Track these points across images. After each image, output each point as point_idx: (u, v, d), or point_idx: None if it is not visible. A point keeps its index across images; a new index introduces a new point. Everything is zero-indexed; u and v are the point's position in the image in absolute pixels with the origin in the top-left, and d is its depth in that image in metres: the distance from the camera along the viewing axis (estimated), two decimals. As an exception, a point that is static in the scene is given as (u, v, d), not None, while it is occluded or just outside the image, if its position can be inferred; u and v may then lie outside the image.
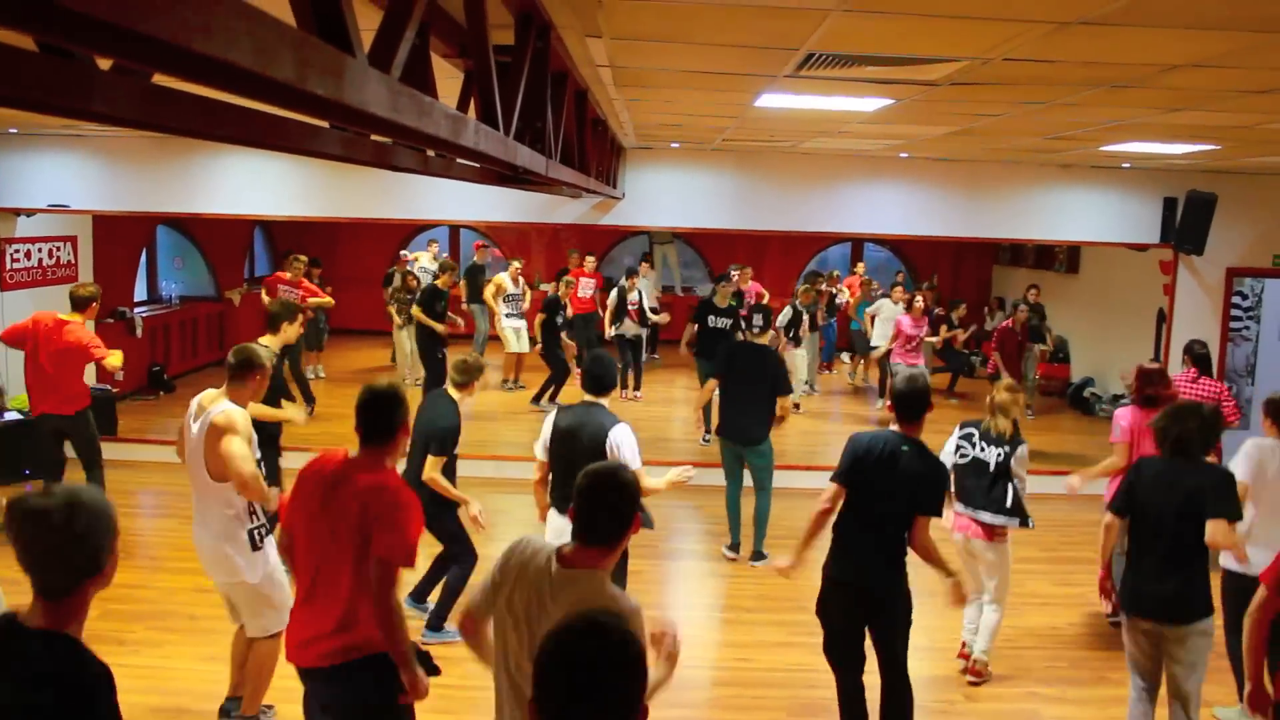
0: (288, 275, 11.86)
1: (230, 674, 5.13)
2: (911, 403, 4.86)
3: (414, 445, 6.07)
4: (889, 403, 4.53)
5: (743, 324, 9.80)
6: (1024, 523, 5.90)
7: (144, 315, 13.28)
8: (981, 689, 6.02)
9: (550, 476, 5.58)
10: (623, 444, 5.30)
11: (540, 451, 5.60)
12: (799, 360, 13.11)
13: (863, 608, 4.87)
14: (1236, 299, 10.97)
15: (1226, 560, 5.36)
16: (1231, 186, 10.00)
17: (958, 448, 6.02)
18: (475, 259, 15.03)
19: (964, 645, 6.30)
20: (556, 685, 1.94)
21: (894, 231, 11.27)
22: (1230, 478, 4.69)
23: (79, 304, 7.67)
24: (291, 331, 6.86)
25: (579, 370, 11.89)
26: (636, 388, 13.49)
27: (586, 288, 14.01)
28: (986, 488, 5.91)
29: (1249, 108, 5.42)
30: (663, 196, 10.46)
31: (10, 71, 1.42)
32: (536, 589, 2.96)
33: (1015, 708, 5.87)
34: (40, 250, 10.74)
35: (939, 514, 4.86)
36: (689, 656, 6.52)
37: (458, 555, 6.31)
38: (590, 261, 14.34)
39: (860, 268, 15.99)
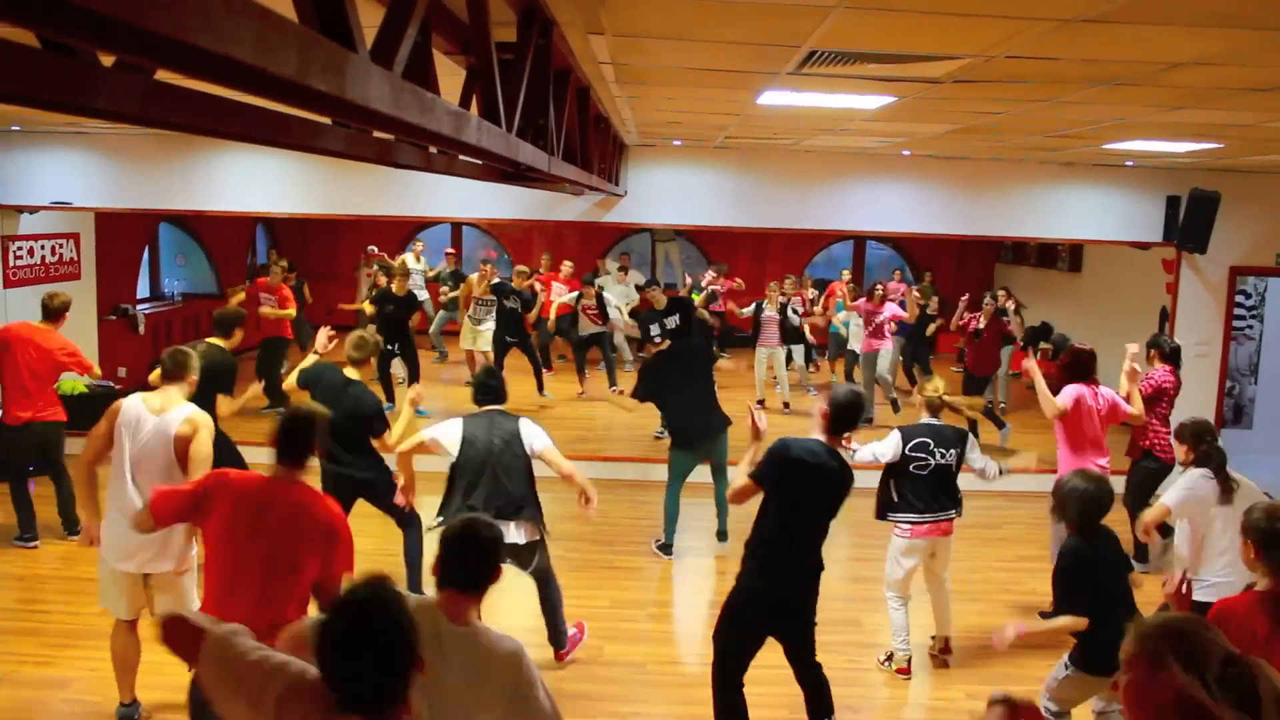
0: (266, 280, 11.98)
1: (125, 678, 5.24)
2: (849, 415, 4.84)
3: (342, 430, 6.26)
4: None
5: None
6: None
7: (146, 312, 13.32)
8: (983, 687, 6.01)
9: (454, 484, 5.75)
10: (535, 433, 5.79)
11: (439, 437, 5.77)
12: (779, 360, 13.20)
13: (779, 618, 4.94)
14: (1239, 298, 10.96)
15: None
16: (1235, 185, 9.98)
17: (912, 460, 6.00)
18: (453, 267, 15.37)
19: (894, 655, 6.32)
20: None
21: (896, 229, 11.26)
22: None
23: (54, 313, 7.78)
24: (239, 336, 7.46)
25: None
26: (612, 383, 13.60)
27: (559, 293, 13.99)
28: (951, 490, 6.09)
29: (1252, 106, 5.41)
30: (665, 194, 10.45)
31: (13, 68, 1.42)
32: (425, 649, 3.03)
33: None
34: (43, 247, 10.75)
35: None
36: (691, 653, 6.56)
37: (407, 523, 6.67)
38: (568, 266, 14.35)
39: (845, 274, 16.08)
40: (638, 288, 11.30)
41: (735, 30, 4.10)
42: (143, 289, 14.03)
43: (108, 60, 1.83)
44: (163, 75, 1.94)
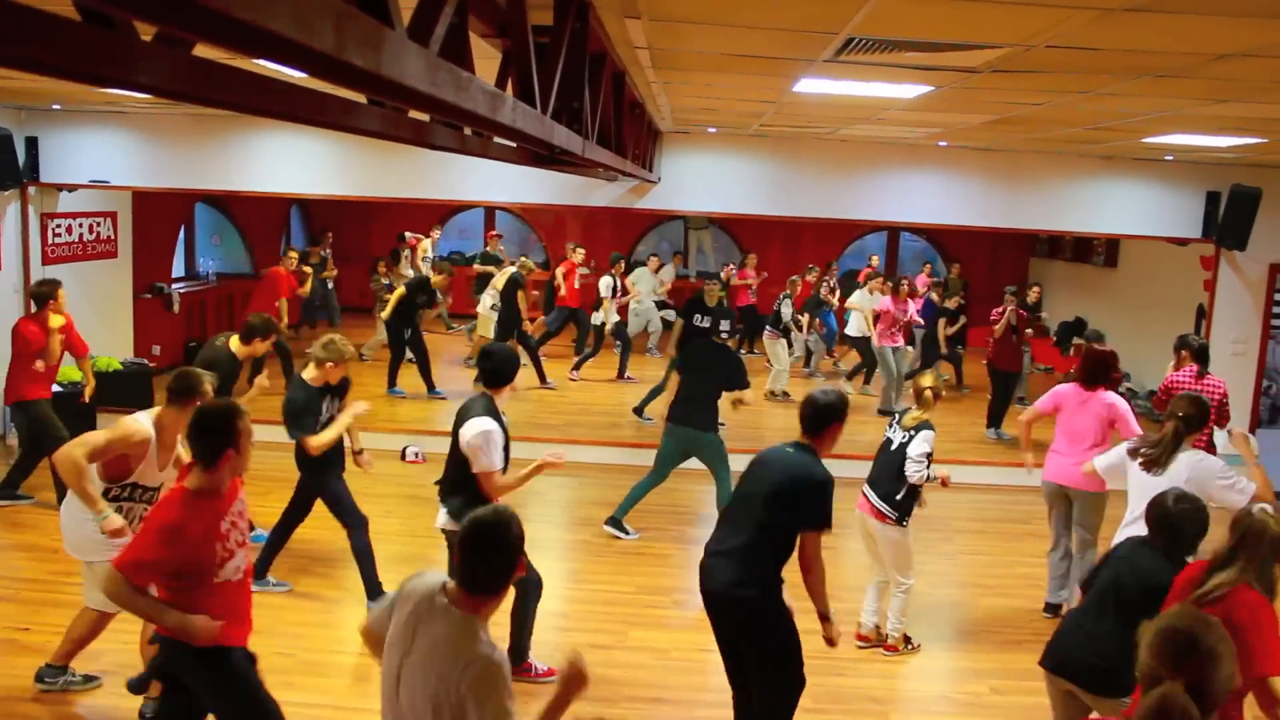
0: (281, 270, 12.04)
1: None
2: (816, 416, 4.69)
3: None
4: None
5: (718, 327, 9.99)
6: (899, 520, 6.04)
7: (181, 291, 13.45)
8: (1009, 682, 5.97)
9: None
10: (469, 440, 5.18)
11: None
12: (780, 350, 13.21)
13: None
14: (1279, 296, 10.80)
15: None
16: (1277, 181, 9.84)
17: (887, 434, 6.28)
18: (488, 248, 15.66)
19: (860, 626, 6.38)
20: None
21: (930, 220, 11.20)
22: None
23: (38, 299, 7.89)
24: (260, 347, 7.04)
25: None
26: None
27: (578, 281, 14.07)
28: (884, 468, 6.11)
29: (1297, 100, 5.33)
30: (699, 181, 10.43)
31: (52, 40, 1.43)
32: (414, 613, 3.01)
33: (1045, 701, 5.82)
34: (81, 225, 10.86)
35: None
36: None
37: (346, 522, 6.48)
38: (580, 253, 14.37)
39: (874, 260, 16.11)
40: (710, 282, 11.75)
41: (772, 16, 4.08)
42: (178, 268, 14.16)
43: (147, 35, 1.84)
44: (202, 50, 1.95)
